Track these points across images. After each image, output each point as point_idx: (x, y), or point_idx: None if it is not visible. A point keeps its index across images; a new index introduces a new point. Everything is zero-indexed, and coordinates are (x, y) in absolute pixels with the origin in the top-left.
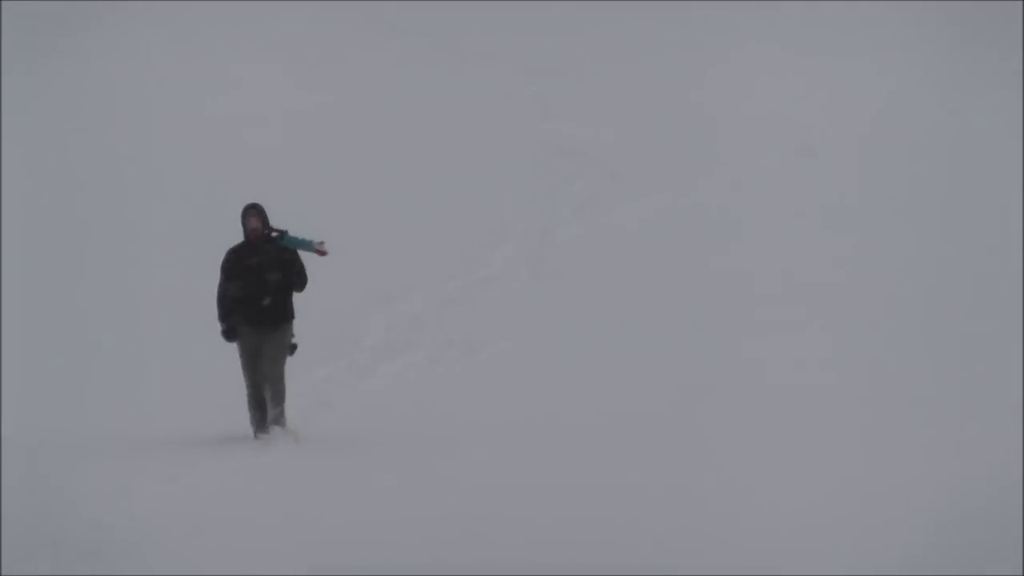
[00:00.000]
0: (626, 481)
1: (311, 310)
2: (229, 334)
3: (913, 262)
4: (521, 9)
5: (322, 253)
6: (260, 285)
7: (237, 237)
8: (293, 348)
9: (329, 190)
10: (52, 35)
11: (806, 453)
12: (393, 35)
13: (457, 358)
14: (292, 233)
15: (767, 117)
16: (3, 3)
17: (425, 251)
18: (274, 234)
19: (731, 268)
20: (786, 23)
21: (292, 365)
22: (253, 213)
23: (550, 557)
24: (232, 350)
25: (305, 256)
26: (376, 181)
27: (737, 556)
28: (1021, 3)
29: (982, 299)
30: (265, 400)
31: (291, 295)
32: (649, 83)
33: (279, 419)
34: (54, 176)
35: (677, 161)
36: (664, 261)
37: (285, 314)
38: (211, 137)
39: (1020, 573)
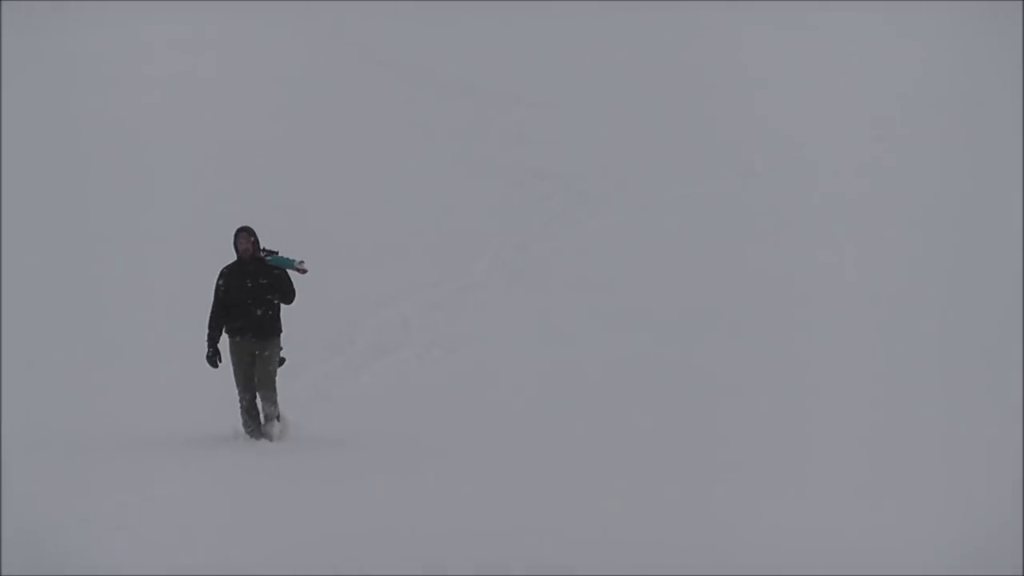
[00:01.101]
0: (605, 479)
1: (312, 314)
2: (212, 359)
3: (911, 265)
4: (498, 46)
5: (302, 271)
6: (252, 301)
7: (230, 257)
8: (282, 360)
9: (326, 208)
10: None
11: (794, 462)
12: (385, 71)
13: (440, 357)
14: (281, 253)
15: (725, 138)
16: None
17: (412, 262)
18: (263, 253)
19: (690, 277)
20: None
21: (295, 363)
22: (244, 235)
23: (545, 558)
24: (225, 353)
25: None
26: (368, 199)
27: (725, 557)
28: (1022, 3)
29: (986, 301)
30: (257, 407)
31: (279, 310)
32: (615, 112)
33: (273, 414)
34: (53, 170)
35: (638, 182)
36: (626, 271)
37: (275, 328)
38: (214, 169)
39: (1020, 574)
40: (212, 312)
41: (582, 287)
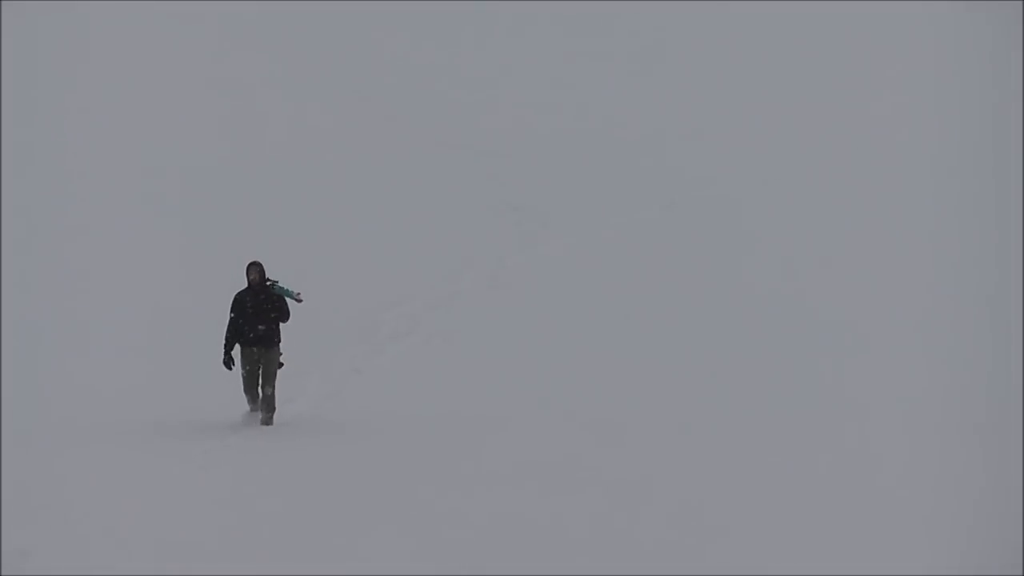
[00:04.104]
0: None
1: (345, 310)
2: (227, 364)
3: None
4: (478, 107)
5: (299, 301)
6: (258, 318)
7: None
8: (281, 364)
9: (354, 233)
10: None
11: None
12: (388, 125)
13: (440, 344)
14: (281, 283)
15: (652, 179)
16: None
17: (417, 274)
18: (268, 283)
19: (625, 283)
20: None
21: (333, 345)
22: (254, 268)
23: (542, 557)
24: (237, 358)
25: (309, 286)
26: (383, 226)
27: (719, 558)
28: (1022, 3)
29: (986, 302)
30: (258, 390)
31: (279, 325)
32: (571, 159)
33: (269, 422)
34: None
35: (586, 213)
36: (578, 279)
37: (275, 339)
38: (235, 199)
39: (1020, 573)
40: (228, 328)
41: (545, 291)
